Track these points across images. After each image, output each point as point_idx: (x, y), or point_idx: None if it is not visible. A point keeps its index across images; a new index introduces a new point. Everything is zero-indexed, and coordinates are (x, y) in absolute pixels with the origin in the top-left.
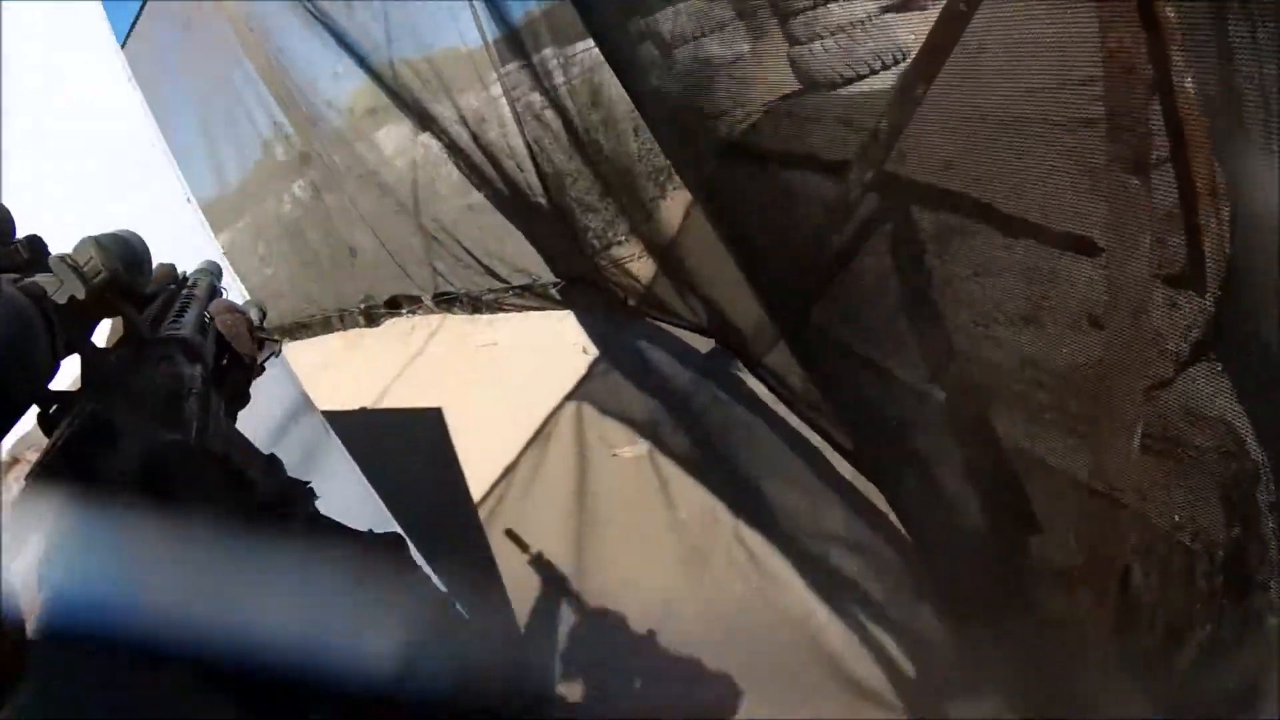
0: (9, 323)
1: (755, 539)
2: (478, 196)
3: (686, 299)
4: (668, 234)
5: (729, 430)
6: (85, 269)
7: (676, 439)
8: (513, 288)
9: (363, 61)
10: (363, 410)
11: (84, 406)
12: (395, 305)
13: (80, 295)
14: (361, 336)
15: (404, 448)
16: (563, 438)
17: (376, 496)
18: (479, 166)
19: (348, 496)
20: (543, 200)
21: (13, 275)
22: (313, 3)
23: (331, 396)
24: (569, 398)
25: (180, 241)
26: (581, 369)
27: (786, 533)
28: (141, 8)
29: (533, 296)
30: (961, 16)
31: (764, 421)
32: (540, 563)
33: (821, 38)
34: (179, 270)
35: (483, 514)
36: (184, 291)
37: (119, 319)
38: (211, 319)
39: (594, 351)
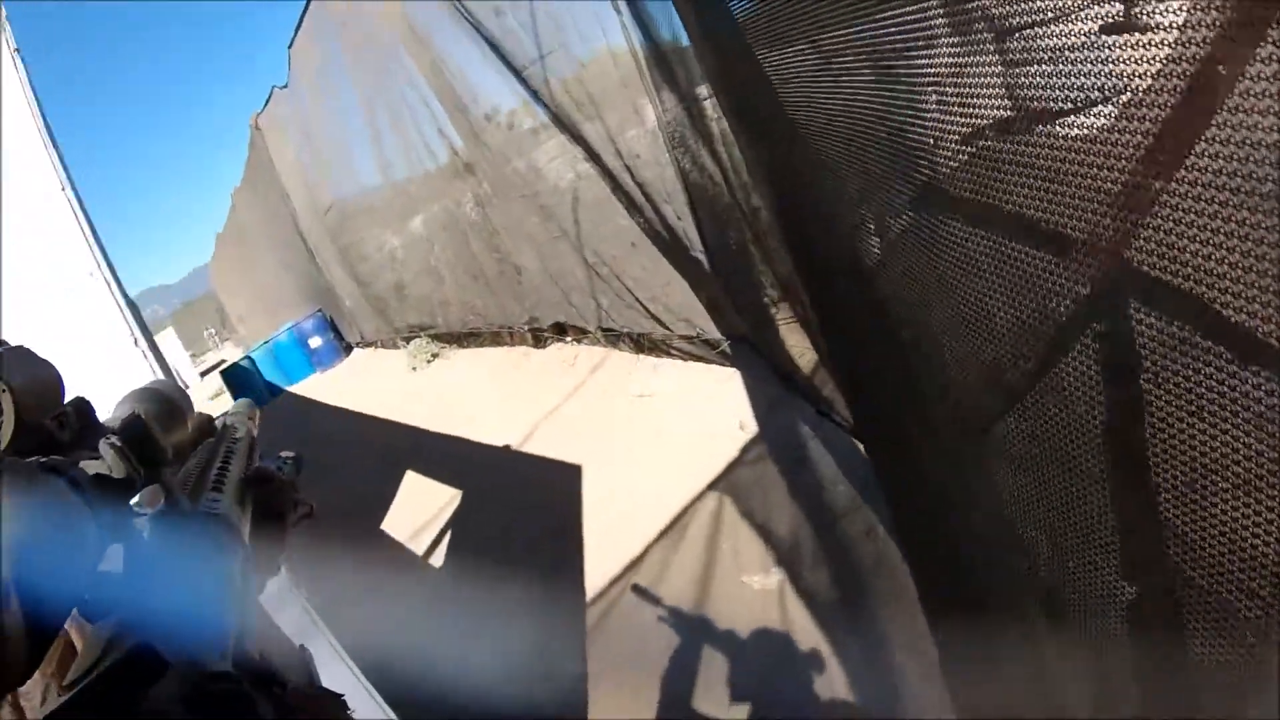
0: (49, 517)
1: None
2: (640, 235)
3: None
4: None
5: (877, 575)
6: (135, 451)
7: (816, 574)
8: (677, 336)
9: (519, 75)
10: (507, 449)
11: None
12: (562, 330)
13: (125, 476)
14: (526, 356)
15: (533, 508)
16: (695, 541)
17: (373, 693)
18: (639, 206)
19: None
20: (702, 256)
21: (56, 459)
22: (462, 3)
23: (483, 422)
24: (713, 485)
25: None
26: (734, 450)
27: None
28: (306, 8)
29: (700, 344)
30: (1212, 88)
31: None
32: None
33: (1040, 62)
34: (216, 419)
35: (591, 617)
36: (223, 448)
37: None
38: (249, 484)
39: (751, 429)
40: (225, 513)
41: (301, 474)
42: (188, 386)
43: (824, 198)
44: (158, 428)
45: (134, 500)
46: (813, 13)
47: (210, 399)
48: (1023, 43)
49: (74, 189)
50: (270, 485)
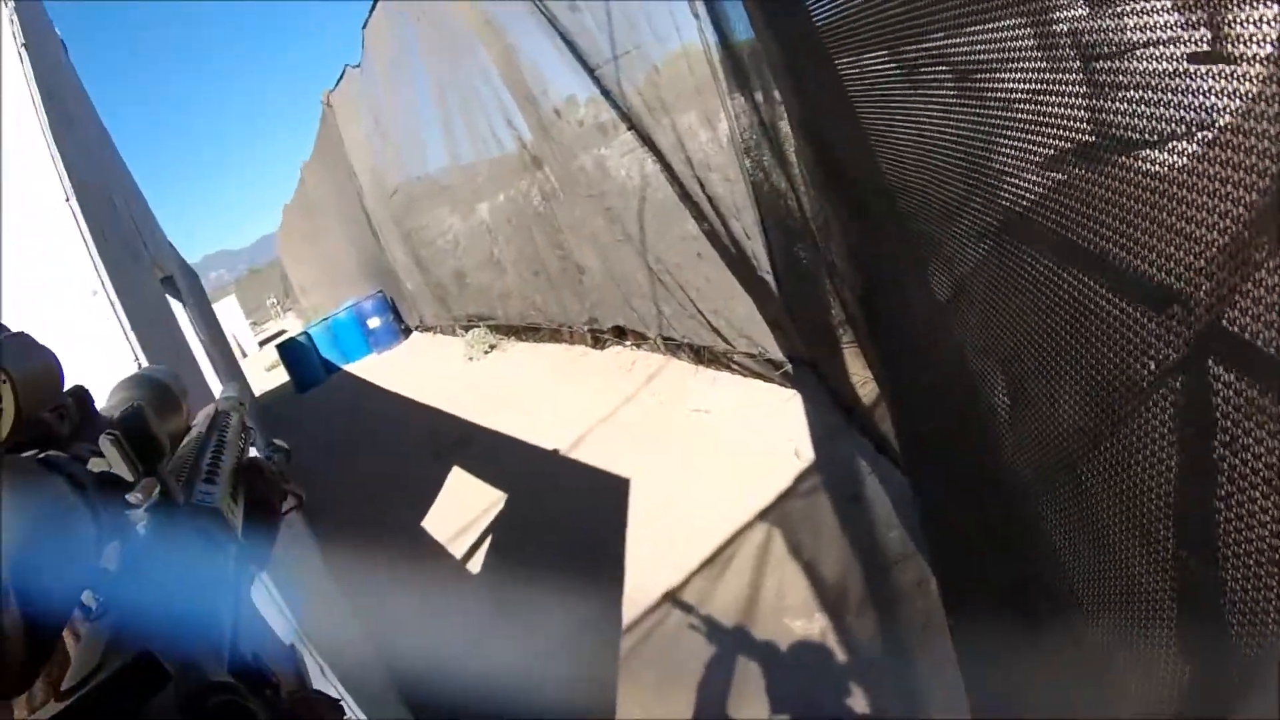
0: (48, 516)
1: None
2: (706, 246)
3: None
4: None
5: (927, 633)
6: (134, 445)
7: (860, 624)
8: (738, 352)
9: (592, 73)
10: (555, 455)
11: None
12: (621, 334)
13: (129, 478)
14: (585, 355)
15: (577, 518)
16: (739, 574)
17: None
18: (707, 218)
19: None
20: (768, 276)
21: (55, 454)
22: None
23: (538, 418)
24: (763, 515)
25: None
26: (788, 477)
27: None
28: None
29: (761, 363)
30: None
31: None
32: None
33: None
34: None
35: (625, 645)
36: (215, 436)
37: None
38: (241, 477)
39: (807, 457)
40: (218, 505)
41: (290, 463)
42: (245, 355)
43: (894, 213)
44: (154, 417)
45: (130, 495)
46: (887, 21)
47: (267, 370)
48: (1110, 64)
49: (78, 200)
50: (262, 476)
